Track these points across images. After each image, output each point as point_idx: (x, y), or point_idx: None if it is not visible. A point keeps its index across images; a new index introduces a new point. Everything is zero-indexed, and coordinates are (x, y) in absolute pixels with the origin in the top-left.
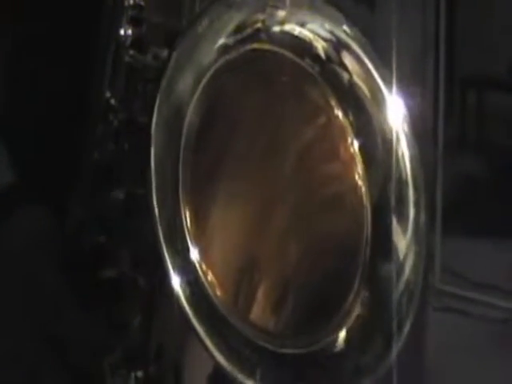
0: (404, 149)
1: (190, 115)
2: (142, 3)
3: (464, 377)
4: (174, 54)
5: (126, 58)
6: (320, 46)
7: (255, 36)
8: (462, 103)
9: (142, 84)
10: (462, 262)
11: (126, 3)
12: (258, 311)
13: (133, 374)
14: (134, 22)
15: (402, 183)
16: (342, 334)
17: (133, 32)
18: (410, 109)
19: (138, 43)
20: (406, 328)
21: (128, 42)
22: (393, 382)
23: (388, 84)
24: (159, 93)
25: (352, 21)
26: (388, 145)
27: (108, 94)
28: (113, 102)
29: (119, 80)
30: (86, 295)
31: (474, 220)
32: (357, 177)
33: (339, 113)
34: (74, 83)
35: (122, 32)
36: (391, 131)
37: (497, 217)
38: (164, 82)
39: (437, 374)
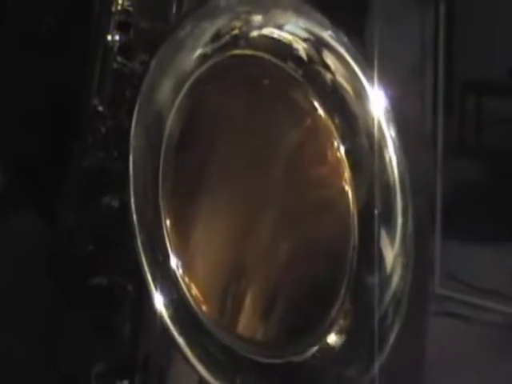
0: (391, 154)
1: (171, 122)
2: (130, 9)
3: (466, 381)
4: (155, 60)
5: (114, 65)
6: (301, 48)
7: (234, 43)
8: (461, 107)
9: (129, 90)
10: (462, 268)
11: (114, 9)
12: (244, 322)
13: (118, 383)
14: (122, 28)
15: (389, 189)
16: (326, 345)
17: (120, 38)
18: (396, 108)
19: (125, 49)
20: (391, 339)
21: (115, 48)
22: None
23: (371, 81)
24: (139, 98)
25: (331, 19)
26: (375, 147)
27: (96, 101)
28: (101, 108)
29: (107, 86)
30: (75, 302)
31: (474, 225)
32: (344, 181)
33: (324, 115)
34: (63, 89)
35: (109, 38)
36: (378, 133)
37: (497, 222)
38: (144, 88)
39: (437, 379)
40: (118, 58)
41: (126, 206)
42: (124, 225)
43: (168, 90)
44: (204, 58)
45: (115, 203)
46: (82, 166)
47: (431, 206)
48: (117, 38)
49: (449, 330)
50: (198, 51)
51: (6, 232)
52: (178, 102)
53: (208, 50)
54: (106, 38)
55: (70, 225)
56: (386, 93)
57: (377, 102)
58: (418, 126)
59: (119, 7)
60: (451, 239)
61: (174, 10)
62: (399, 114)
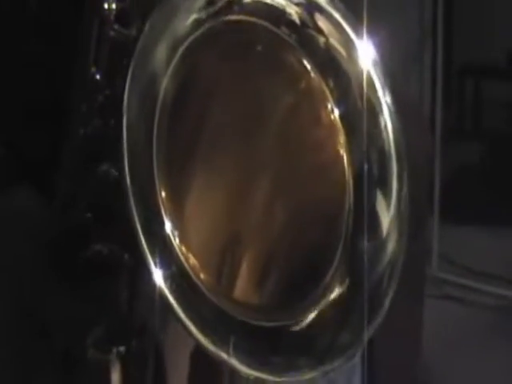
0: (387, 120)
1: (165, 87)
2: None
3: (462, 363)
4: (148, 25)
5: (111, 33)
6: (294, 12)
7: (228, 8)
8: (460, 92)
9: (126, 58)
10: (459, 251)
11: None
12: (240, 287)
13: (115, 349)
14: None
15: (384, 154)
16: (320, 309)
17: (117, 6)
18: (385, 61)
19: (122, 17)
20: (386, 304)
21: (112, 15)
22: (366, 364)
23: (360, 36)
24: (132, 64)
25: None
26: (369, 111)
27: (93, 69)
28: (98, 77)
29: (104, 55)
30: (72, 271)
31: (472, 209)
32: (338, 145)
33: (318, 79)
34: (60, 58)
35: (105, 6)
36: (372, 97)
37: (494, 206)
38: (137, 53)
39: (434, 361)
40: (115, 26)
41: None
42: (121, 193)
43: (162, 55)
44: (198, 23)
45: (112, 171)
46: (78, 135)
47: (429, 188)
48: (113, 6)
49: (446, 313)
50: (193, 16)
51: (3, 203)
52: (171, 67)
53: (202, 15)
54: (102, 6)
55: (68, 194)
56: (375, 44)
57: (367, 53)
58: (414, 103)
59: None
60: (449, 222)
61: None
62: (391, 72)
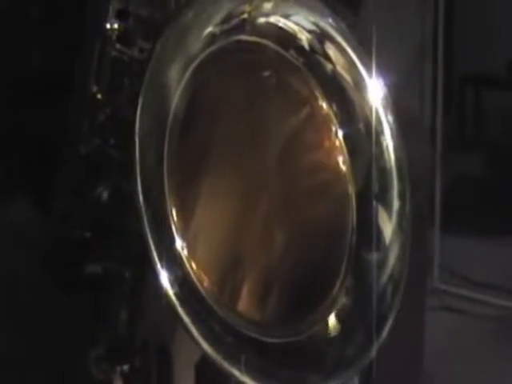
0: (388, 140)
1: (176, 105)
2: None
3: (463, 374)
4: (159, 43)
5: (113, 52)
6: (304, 38)
7: (241, 27)
8: (461, 100)
9: (128, 78)
10: (460, 261)
11: None
12: (245, 301)
13: (118, 368)
14: (121, 16)
15: (386, 173)
16: (327, 324)
17: (119, 26)
18: (393, 96)
19: (124, 37)
20: (390, 320)
21: (114, 35)
22: (374, 373)
23: (370, 71)
24: (144, 82)
25: (337, 13)
26: (371, 132)
27: (94, 89)
28: (99, 96)
29: (105, 74)
30: (70, 288)
31: (473, 219)
32: (341, 165)
33: (323, 103)
34: (61, 76)
35: (108, 26)
36: (374, 119)
37: (496, 216)
38: (149, 72)
39: (436, 372)
40: (117, 46)
41: (122, 193)
42: (120, 211)
43: (174, 72)
44: (211, 38)
45: (111, 190)
46: (78, 153)
47: (430, 199)
48: (116, 25)
49: (447, 324)
50: (208, 30)
51: (1, 219)
52: (182, 84)
53: (217, 30)
54: (104, 25)
55: (66, 212)
56: (384, 82)
57: (375, 90)
58: (415, 116)
59: None
60: (450, 233)
61: None
62: (397, 103)
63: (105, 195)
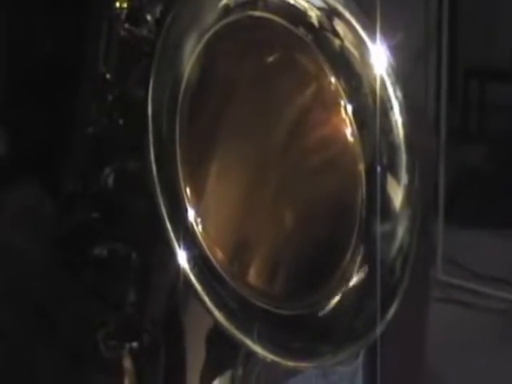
0: (397, 115)
1: (186, 80)
2: None
3: (466, 366)
4: (171, 15)
5: (121, 32)
6: (314, 15)
7: (254, 2)
8: (465, 93)
9: (137, 58)
10: (464, 254)
11: None
12: (256, 275)
13: (127, 345)
14: None
15: (394, 148)
16: (337, 297)
17: (128, 5)
18: (398, 63)
19: (133, 16)
20: (400, 292)
21: (123, 15)
22: (381, 347)
23: (373, 38)
24: (155, 56)
25: None
26: (380, 108)
27: (103, 69)
28: (108, 76)
29: (114, 54)
30: (77, 271)
31: (477, 212)
32: (351, 140)
33: (332, 78)
34: (69, 57)
35: (117, 5)
36: (383, 93)
37: (499, 208)
38: (160, 44)
39: (439, 364)
40: (126, 25)
41: (129, 173)
42: (128, 192)
43: (186, 44)
44: (226, 10)
45: (118, 171)
46: (86, 133)
47: (434, 191)
48: (124, 4)
49: (451, 317)
50: (224, 1)
51: (8, 201)
52: (194, 57)
53: (232, 2)
54: (113, 4)
55: (73, 193)
56: (389, 48)
57: (380, 58)
58: (420, 108)
59: None
60: (453, 226)
61: None
62: (404, 71)
63: (112, 176)
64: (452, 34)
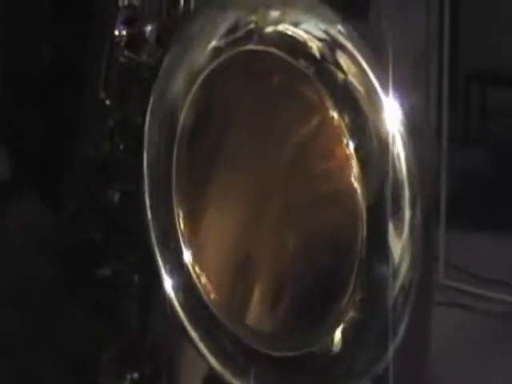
0: (400, 150)
1: (184, 116)
2: (136, 4)
3: (469, 369)
4: (168, 56)
5: (121, 59)
6: (315, 46)
7: (248, 37)
8: (466, 97)
9: (136, 84)
10: (465, 257)
11: (121, 4)
12: (253, 313)
13: (128, 376)
14: (129, 23)
15: (397, 184)
16: (336, 337)
17: (127, 32)
18: (405, 109)
19: (132, 43)
20: (401, 331)
21: (123, 42)
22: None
23: (384, 84)
24: (152, 94)
25: (347, 20)
26: (384, 145)
27: (102, 95)
28: (107, 102)
29: (114, 80)
30: (80, 290)
31: (479, 216)
32: (352, 177)
33: (334, 113)
34: (70, 82)
35: (116, 32)
36: (387, 131)
37: (501, 212)
38: (157, 84)
39: (442, 367)
40: (125, 52)
41: (131, 196)
42: (130, 214)
43: (182, 83)
44: (216, 52)
45: (121, 193)
46: (87, 157)
47: (436, 196)
48: (124, 32)
49: (453, 320)
50: (212, 44)
51: (13, 221)
52: (190, 95)
53: (221, 43)
54: (113, 32)
55: (76, 215)
56: (396, 92)
57: (388, 102)
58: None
59: (126, 2)
60: (455, 229)
61: (181, 4)
62: (408, 114)
63: (115, 198)
64: (453, 38)
